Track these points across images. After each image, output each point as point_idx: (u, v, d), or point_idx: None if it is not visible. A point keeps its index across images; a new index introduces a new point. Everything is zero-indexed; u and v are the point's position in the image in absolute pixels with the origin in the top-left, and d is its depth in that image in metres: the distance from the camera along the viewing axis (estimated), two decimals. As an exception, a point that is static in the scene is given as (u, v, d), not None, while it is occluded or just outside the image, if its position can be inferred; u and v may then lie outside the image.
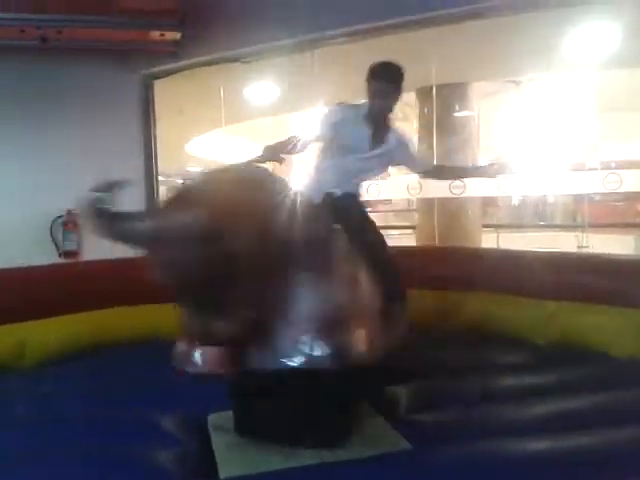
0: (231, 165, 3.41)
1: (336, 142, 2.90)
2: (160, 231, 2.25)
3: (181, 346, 2.40)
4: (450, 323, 3.83)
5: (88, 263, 4.88)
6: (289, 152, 2.83)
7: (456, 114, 8.49)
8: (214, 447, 2.47)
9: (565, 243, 8.96)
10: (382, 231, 3.05)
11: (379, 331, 2.46)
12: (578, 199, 9.77)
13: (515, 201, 13.63)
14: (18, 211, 5.15)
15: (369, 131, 2.91)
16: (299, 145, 2.83)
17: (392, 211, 12.64)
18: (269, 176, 2.52)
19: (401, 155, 3.07)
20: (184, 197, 2.36)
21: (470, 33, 5.47)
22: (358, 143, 2.90)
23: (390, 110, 2.94)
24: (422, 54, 6.21)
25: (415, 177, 8.35)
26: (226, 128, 9.63)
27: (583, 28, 5.81)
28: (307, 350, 2.25)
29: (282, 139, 2.85)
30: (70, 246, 5.44)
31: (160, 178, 6.19)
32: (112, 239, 2.25)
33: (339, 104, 3.00)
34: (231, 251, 2.10)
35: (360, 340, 2.37)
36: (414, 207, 10.26)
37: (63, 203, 5.29)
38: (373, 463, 2.24)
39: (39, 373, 3.45)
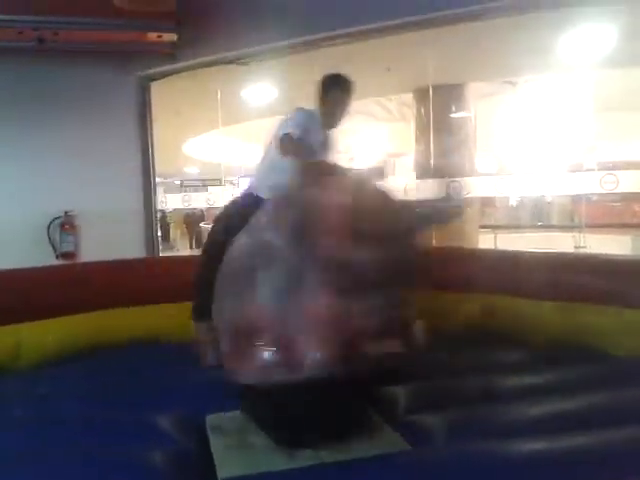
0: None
1: (304, 145, 2.95)
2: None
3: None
4: (448, 324, 3.83)
5: (85, 264, 4.88)
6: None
7: (453, 115, 8.52)
8: (212, 448, 2.46)
9: (562, 243, 8.98)
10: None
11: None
12: (575, 200, 9.79)
13: (513, 202, 13.66)
14: (16, 212, 5.15)
15: (323, 137, 3.15)
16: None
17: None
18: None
19: None
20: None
21: (467, 34, 5.49)
22: (317, 147, 3.06)
23: (342, 117, 3.14)
24: (419, 55, 6.23)
25: (413, 178, 8.38)
26: (223, 129, 9.65)
27: (579, 29, 5.83)
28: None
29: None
30: (67, 247, 5.44)
31: (158, 179, 6.19)
32: None
33: (300, 109, 3.05)
34: None
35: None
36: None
37: (61, 204, 5.30)
38: (372, 464, 2.24)
39: (36, 374, 3.44)
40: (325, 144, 3.18)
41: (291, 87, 7.18)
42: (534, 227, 12.39)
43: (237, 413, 2.72)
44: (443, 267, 4.08)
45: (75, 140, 5.38)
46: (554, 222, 12.40)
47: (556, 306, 3.59)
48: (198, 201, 8.68)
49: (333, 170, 2.66)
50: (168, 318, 4.00)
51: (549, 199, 12.58)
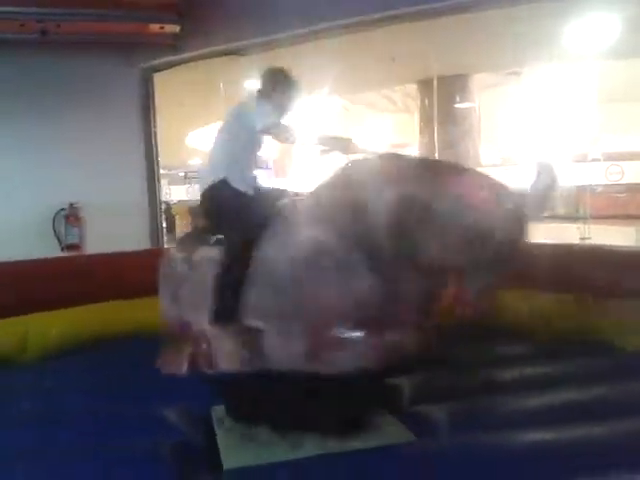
0: None
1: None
2: None
3: None
4: (452, 316, 3.82)
5: (90, 256, 4.89)
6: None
7: (457, 105, 8.49)
8: (218, 439, 2.48)
9: (567, 234, 8.95)
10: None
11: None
12: (580, 190, 9.75)
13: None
14: (21, 205, 5.16)
15: None
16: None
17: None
18: None
19: None
20: None
21: (471, 25, 5.45)
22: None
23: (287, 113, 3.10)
24: (423, 46, 6.20)
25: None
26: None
27: (583, 20, 5.80)
28: None
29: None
30: (72, 239, 5.45)
31: (162, 171, 6.19)
32: None
33: (261, 100, 2.98)
34: None
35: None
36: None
37: (65, 197, 5.30)
38: (377, 453, 2.25)
39: (41, 367, 3.45)
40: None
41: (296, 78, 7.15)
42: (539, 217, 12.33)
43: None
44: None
45: (79, 132, 5.37)
46: (559, 213, 12.35)
47: (559, 298, 3.58)
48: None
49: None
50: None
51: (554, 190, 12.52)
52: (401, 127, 11.88)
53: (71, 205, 5.37)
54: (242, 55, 5.49)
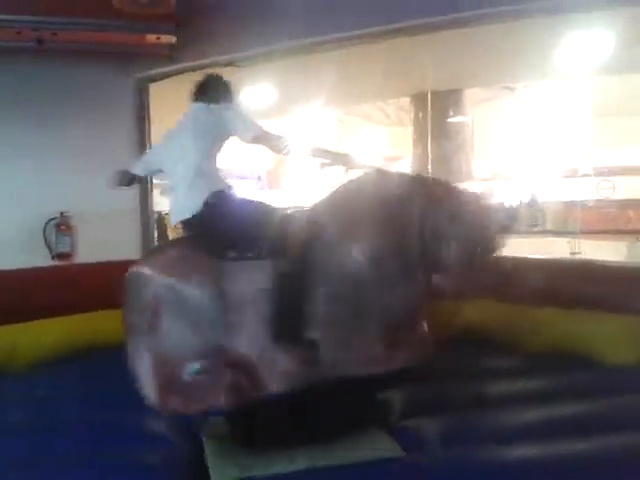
0: None
1: None
2: None
3: None
4: (444, 329, 3.83)
5: (81, 265, 4.87)
6: None
7: (451, 119, 8.53)
8: (206, 452, 2.47)
9: (558, 249, 8.99)
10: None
11: None
12: (571, 205, 9.81)
13: (508, 206, 13.68)
14: (12, 213, 5.12)
15: None
16: None
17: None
18: None
19: None
20: None
21: (465, 40, 5.49)
22: None
23: None
24: (417, 60, 6.24)
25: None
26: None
27: (577, 35, 5.85)
28: None
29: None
30: (63, 248, 5.41)
31: (155, 181, 6.18)
32: None
33: (230, 105, 2.94)
34: None
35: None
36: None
37: (57, 205, 5.28)
38: (366, 468, 2.25)
39: (33, 376, 3.43)
40: None
41: (290, 90, 7.18)
42: (529, 232, 12.39)
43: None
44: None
45: (72, 141, 5.36)
46: (549, 227, 12.41)
47: (551, 312, 3.60)
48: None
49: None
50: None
51: (545, 204, 12.61)
52: (395, 140, 11.94)
53: (62, 214, 5.35)
54: (238, 66, 5.51)
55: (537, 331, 3.58)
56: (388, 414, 2.71)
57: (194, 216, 2.63)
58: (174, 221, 2.79)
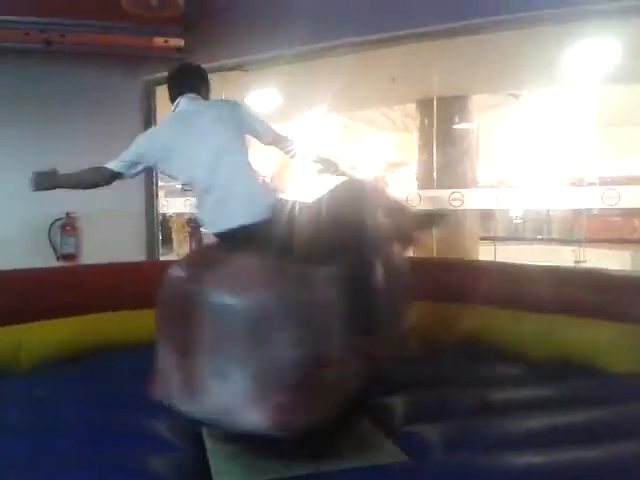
0: None
1: None
2: None
3: None
4: (447, 335, 3.83)
5: (86, 266, 4.88)
6: None
7: (456, 126, 8.54)
8: (209, 455, 2.47)
9: (562, 257, 8.98)
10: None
11: None
12: (576, 213, 9.80)
13: (513, 214, 13.66)
14: (17, 213, 5.15)
15: None
16: None
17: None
18: None
19: None
20: None
21: (471, 47, 5.51)
22: None
23: None
24: (424, 66, 6.25)
25: (414, 188, 8.40)
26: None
27: (583, 44, 5.86)
28: None
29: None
30: (68, 249, 5.43)
31: (160, 183, 6.20)
32: None
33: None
34: None
35: None
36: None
37: (62, 206, 5.29)
38: (368, 474, 2.24)
39: (35, 376, 3.43)
40: None
41: (295, 95, 7.20)
42: (534, 240, 12.38)
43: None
44: (443, 278, 4.10)
45: (79, 142, 5.38)
46: (554, 235, 12.39)
47: (554, 320, 3.59)
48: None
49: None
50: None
51: (550, 212, 12.59)
52: (400, 146, 11.94)
53: (68, 214, 5.37)
54: (245, 70, 5.54)
55: (540, 338, 3.57)
56: (391, 419, 2.70)
57: (256, 223, 2.39)
58: (222, 228, 2.47)
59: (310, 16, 4.74)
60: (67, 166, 5.29)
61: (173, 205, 8.37)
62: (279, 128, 2.87)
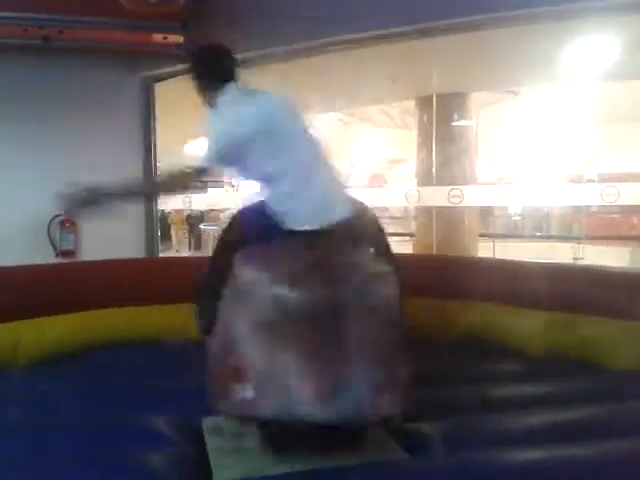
0: None
1: None
2: None
3: None
4: (446, 332, 3.83)
5: (85, 263, 4.88)
6: None
7: (455, 123, 8.54)
8: (209, 451, 2.46)
9: (561, 254, 8.99)
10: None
11: None
12: (575, 210, 9.82)
13: (512, 211, 13.69)
14: (16, 210, 5.14)
15: None
16: None
17: (389, 218, 12.68)
18: None
19: None
20: None
21: (470, 44, 5.51)
22: None
23: None
24: (423, 63, 6.25)
25: (413, 185, 8.40)
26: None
27: (582, 41, 5.86)
28: None
29: None
30: (67, 246, 5.43)
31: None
32: None
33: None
34: None
35: None
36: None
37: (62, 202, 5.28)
38: (369, 471, 2.24)
39: (33, 373, 3.43)
40: None
41: (293, 92, 7.19)
42: (533, 237, 12.40)
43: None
44: (442, 275, 4.10)
45: (77, 139, 5.38)
46: (553, 232, 12.42)
47: (554, 317, 3.59)
48: (198, 202, 8.52)
49: None
50: (167, 319, 4.01)
51: (548, 209, 12.60)
52: (399, 142, 11.95)
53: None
54: (245, 67, 5.52)
55: (539, 335, 3.57)
56: (391, 416, 2.70)
57: (343, 221, 2.32)
58: (308, 224, 2.32)
59: (309, 13, 4.74)
60: (66, 162, 5.32)
61: (172, 202, 8.35)
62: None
